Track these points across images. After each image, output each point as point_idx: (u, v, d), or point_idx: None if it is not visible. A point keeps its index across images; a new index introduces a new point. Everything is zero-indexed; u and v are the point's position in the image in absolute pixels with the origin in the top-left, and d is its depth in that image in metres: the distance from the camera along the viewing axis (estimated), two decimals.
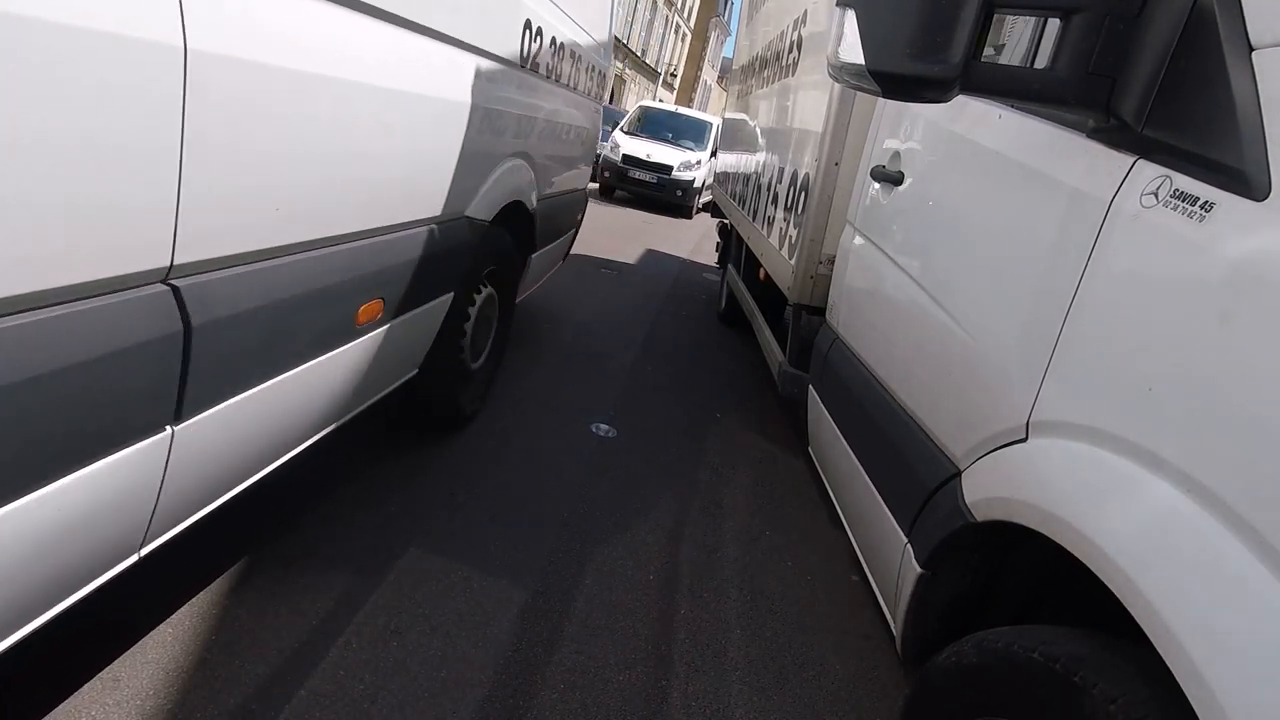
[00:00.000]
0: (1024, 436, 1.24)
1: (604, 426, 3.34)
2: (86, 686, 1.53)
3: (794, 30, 3.96)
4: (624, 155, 12.19)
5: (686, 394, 4.05)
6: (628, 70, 30.85)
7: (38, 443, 1.00)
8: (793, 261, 3.01)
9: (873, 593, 1.80)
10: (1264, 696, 0.74)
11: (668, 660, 1.97)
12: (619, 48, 27.16)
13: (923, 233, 1.88)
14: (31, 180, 0.90)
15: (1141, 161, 1.10)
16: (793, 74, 3.88)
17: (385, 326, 1.94)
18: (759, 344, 3.93)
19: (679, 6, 38.69)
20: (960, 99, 1.24)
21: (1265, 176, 0.88)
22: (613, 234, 8.79)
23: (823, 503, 3.00)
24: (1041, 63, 1.21)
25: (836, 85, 2.68)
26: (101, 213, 1.01)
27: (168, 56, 1.04)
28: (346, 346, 1.76)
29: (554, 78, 3.19)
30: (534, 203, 3.17)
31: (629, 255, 7.90)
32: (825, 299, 2.67)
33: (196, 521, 1.48)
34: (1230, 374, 0.88)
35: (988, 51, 1.23)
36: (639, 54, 31.90)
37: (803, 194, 3.07)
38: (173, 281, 1.17)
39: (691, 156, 12.58)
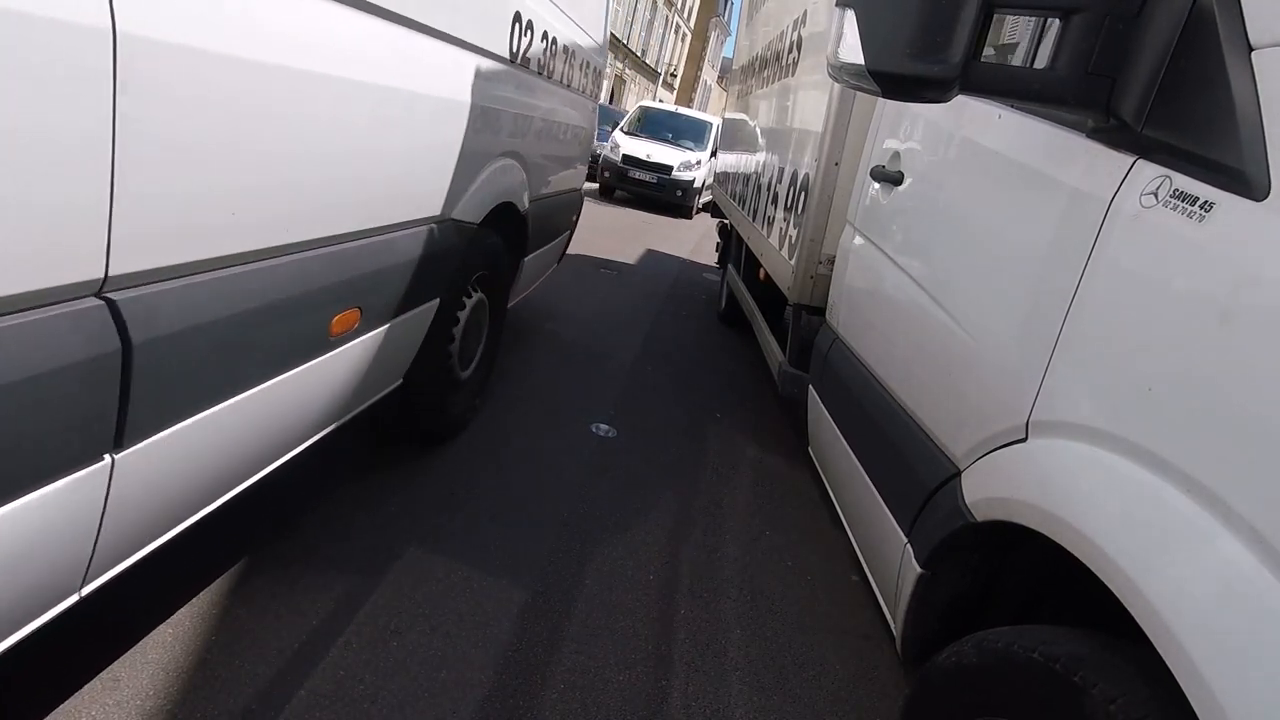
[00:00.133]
0: (1024, 436, 1.24)
1: (604, 426, 3.34)
2: (86, 686, 1.53)
3: (794, 30, 3.97)
4: (624, 155, 12.20)
5: (686, 394, 4.05)
6: (628, 70, 30.86)
7: None
8: (793, 261, 3.01)
9: (873, 593, 1.80)
10: (1264, 696, 0.74)
11: (668, 660, 1.97)
12: (619, 48, 27.16)
13: (923, 233, 1.88)
14: None
15: (1141, 161, 1.10)
16: (793, 74, 3.88)
17: (363, 337, 1.84)
18: (759, 344, 3.93)
19: (679, 6, 38.69)
20: (960, 99, 1.24)
21: (1265, 176, 0.88)
22: (612, 234, 8.79)
23: (823, 503, 3.00)
24: (1041, 63, 1.21)
25: (836, 85, 2.68)
26: (16, 216, 0.90)
27: (92, 40, 0.93)
28: (318, 360, 1.65)
29: (546, 74, 3.09)
30: (526, 204, 3.07)
31: (629, 255, 7.90)
32: (825, 299, 2.67)
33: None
34: (1230, 374, 0.88)
35: (987, 51, 1.23)
36: (639, 54, 31.90)
37: (803, 194, 3.07)
38: (108, 295, 1.06)
39: (691, 156, 12.59)
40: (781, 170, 3.70)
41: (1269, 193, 0.87)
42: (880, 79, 1.17)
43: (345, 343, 1.76)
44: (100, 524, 1.16)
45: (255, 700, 1.59)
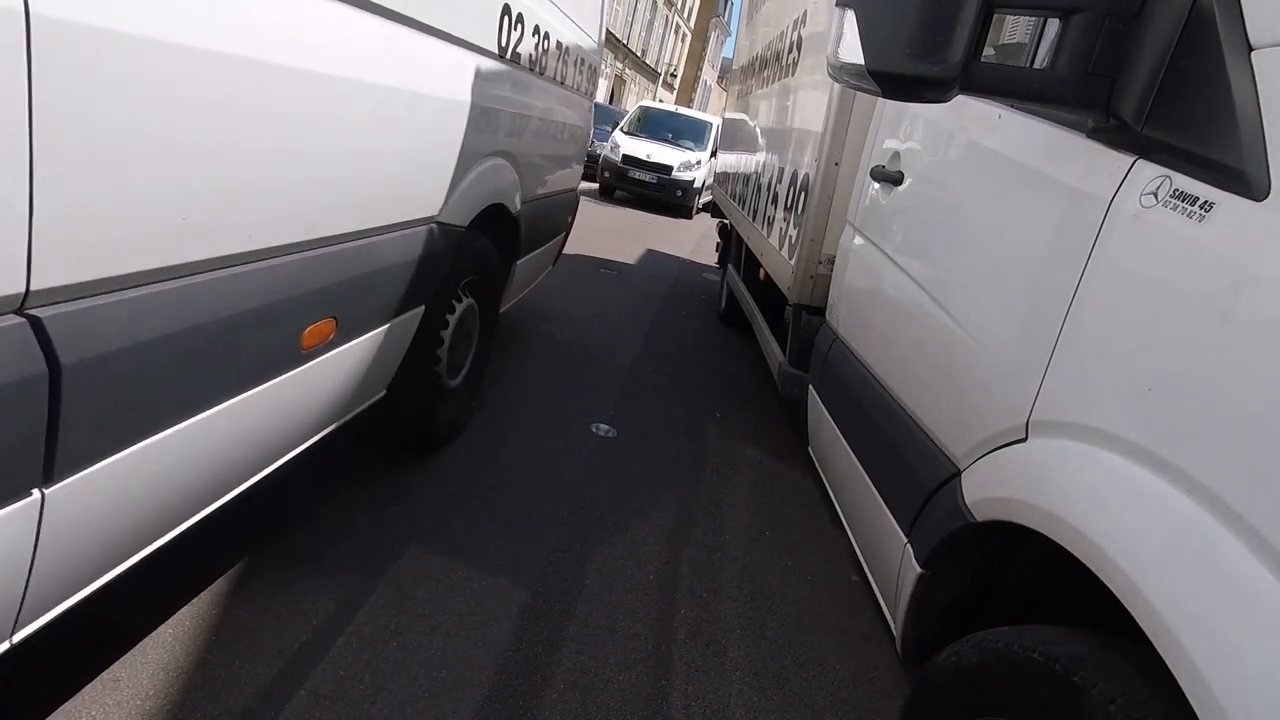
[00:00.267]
0: (1024, 436, 1.24)
1: (604, 426, 3.34)
2: (87, 687, 1.54)
3: (794, 30, 3.97)
4: (624, 155, 12.20)
5: (686, 394, 4.05)
6: (628, 70, 30.86)
7: None
8: (793, 261, 3.01)
9: (873, 593, 1.80)
10: (1264, 696, 0.74)
11: (668, 660, 1.97)
12: (619, 48, 27.16)
13: (923, 233, 1.88)
14: None
15: (1141, 161, 1.10)
16: (793, 74, 3.88)
17: (340, 349, 1.75)
18: (759, 344, 3.93)
19: (679, 6, 38.71)
20: (960, 99, 1.24)
21: (1265, 176, 0.88)
22: (612, 234, 8.79)
23: (823, 503, 3.00)
24: (1041, 63, 1.21)
25: (836, 85, 2.69)
26: None
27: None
28: (288, 375, 1.55)
29: (539, 70, 2.96)
30: (518, 205, 2.95)
31: (629, 255, 7.90)
32: (825, 299, 2.67)
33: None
34: (1230, 374, 0.88)
35: (987, 52, 1.23)
36: (639, 54, 31.91)
37: (802, 194, 3.07)
38: (31, 311, 0.95)
39: (691, 157, 12.59)
40: (781, 170, 3.70)
41: (1269, 193, 0.87)
42: (880, 79, 1.17)
43: (320, 355, 1.67)
44: (31, 566, 1.05)
45: (255, 700, 1.59)
